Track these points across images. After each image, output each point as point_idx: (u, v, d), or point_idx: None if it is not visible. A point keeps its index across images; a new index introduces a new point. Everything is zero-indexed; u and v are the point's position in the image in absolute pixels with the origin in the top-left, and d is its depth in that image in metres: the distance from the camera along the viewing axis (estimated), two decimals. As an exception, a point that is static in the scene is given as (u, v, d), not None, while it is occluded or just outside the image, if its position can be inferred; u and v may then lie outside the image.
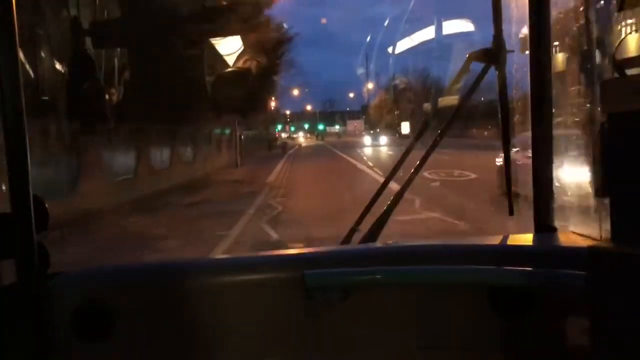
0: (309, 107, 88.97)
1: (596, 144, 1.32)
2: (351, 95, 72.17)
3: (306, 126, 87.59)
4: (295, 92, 61.93)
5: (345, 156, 29.25)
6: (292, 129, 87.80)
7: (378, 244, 1.60)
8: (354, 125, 76.34)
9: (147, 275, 1.35)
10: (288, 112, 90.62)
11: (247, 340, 1.30)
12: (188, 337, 1.28)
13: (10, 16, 1.05)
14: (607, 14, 1.38)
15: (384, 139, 44.53)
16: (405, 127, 46.22)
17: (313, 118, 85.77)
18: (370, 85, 57.04)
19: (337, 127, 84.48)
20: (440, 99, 1.91)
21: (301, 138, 73.97)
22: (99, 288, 1.29)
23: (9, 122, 1.06)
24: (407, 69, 44.53)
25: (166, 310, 1.28)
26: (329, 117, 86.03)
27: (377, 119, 57.77)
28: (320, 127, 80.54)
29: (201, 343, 1.28)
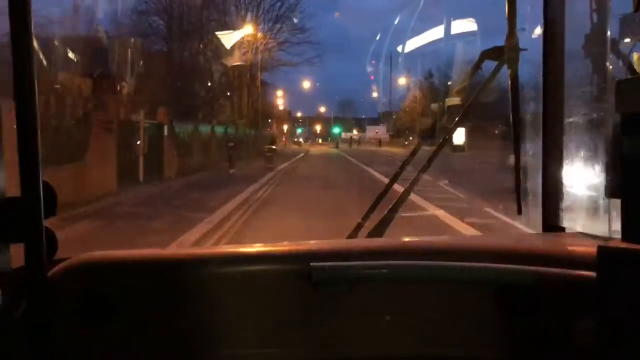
0: (322, 109, 78.64)
1: (609, 145, 1.31)
2: (374, 94, 58.23)
3: (318, 129, 78.04)
4: (306, 85, 51.82)
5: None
6: (300, 130, 77.38)
7: (384, 239, 1.60)
8: (375, 131, 65.65)
9: (153, 263, 1.36)
10: (299, 115, 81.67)
11: (251, 332, 1.31)
12: (192, 328, 1.28)
13: (26, 3, 1.06)
14: (623, 14, 1.37)
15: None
16: (460, 136, 30.90)
17: (327, 122, 76.71)
18: (403, 81, 47.55)
19: (354, 132, 74.30)
20: (447, 99, 1.90)
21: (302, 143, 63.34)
22: (105, 274, 1.30)
23: (21, 108, 1.06)
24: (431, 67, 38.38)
25: (170, 300, 1.29)
26: (345, 122, 75.71)
27: (408, 123, 48.64)
28: (336, 130, 68.52)
29: (204, 333, 1.29)
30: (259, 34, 33.31)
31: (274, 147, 26.24)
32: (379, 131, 64.81)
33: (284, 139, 60.45)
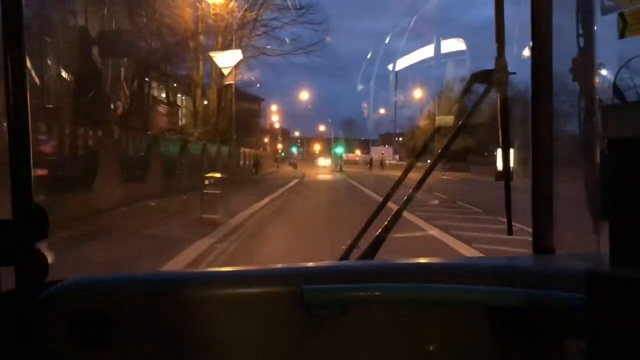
0: (322, 128, 72.63)
1: (596, 168, 1.33)
2: (382, 110, 50.10)
3: (317, 148, 71.83)
4: (304, 98, 45.36)
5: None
6: (294, 149, 71.35)
7: (376, 260, 1.60)
8: (381, 152, 58.67)
9: (145, 286, 1.35)
10: (297, 134, 78.64)
11: (245, 355, 1.30)
12: (185, 350, 1.28)
13: (18, 24, 1.07)
14: (608, 40, 1.40)
15: None
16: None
17: (327, 143, 69.81)
18: (402, 98, 41.22)
19: (357, 152, 68.18)
20: (438, 118, 1.92)
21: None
22: (97, 297, 1.29)
23: (13, 130, 1.07)
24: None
25: (163, 322, 1.28)
26: (346, 143, 66.59)
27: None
28: (339, 150, 57.69)
29: (197, 355, 1.28)
30: (232, 3, 22.20)
31: (219, 175, 13.73)
32: (385, 152, 58.65)
33: (276, 161, 54.45)
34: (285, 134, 67.42)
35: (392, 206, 1.79)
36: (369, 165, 48.88)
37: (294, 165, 50.47)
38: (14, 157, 1.07)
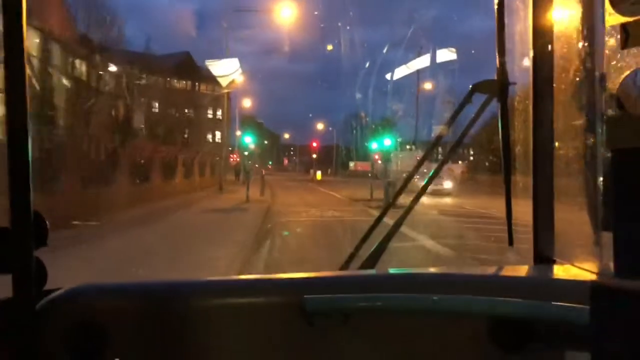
0: (320, 126, 57.15)
1: (599, 179, 1.33)
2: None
3: (314, 145, 51.61)
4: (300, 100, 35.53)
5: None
6: (250, 138, 36.69)
7: (377, 270, 1.60)
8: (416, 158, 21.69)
9: (144, 295, 1.34)
10: (287, 136, 68.38)
11: None
12: (183, 359, 1.26)
13: (20, 32, 1.06)
14: (610, 49, 1.39)
15: None
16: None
17: (325, 151, 57.67)
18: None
19: (375, 157, 51.90)
20: (435, 127, 1.91)
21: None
22: (95, 305, 1.28)
23: (12, 137, 1.06)
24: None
25: (162, 331, 1.27)
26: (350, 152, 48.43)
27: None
28: (387, 142, 25.60)
29: None
30: None
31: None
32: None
33: (237, 175, 30.80)
34: (262, 129, 49.26)
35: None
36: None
37: (262, 187, 24.63)
38: (12, 164, 1.06)
